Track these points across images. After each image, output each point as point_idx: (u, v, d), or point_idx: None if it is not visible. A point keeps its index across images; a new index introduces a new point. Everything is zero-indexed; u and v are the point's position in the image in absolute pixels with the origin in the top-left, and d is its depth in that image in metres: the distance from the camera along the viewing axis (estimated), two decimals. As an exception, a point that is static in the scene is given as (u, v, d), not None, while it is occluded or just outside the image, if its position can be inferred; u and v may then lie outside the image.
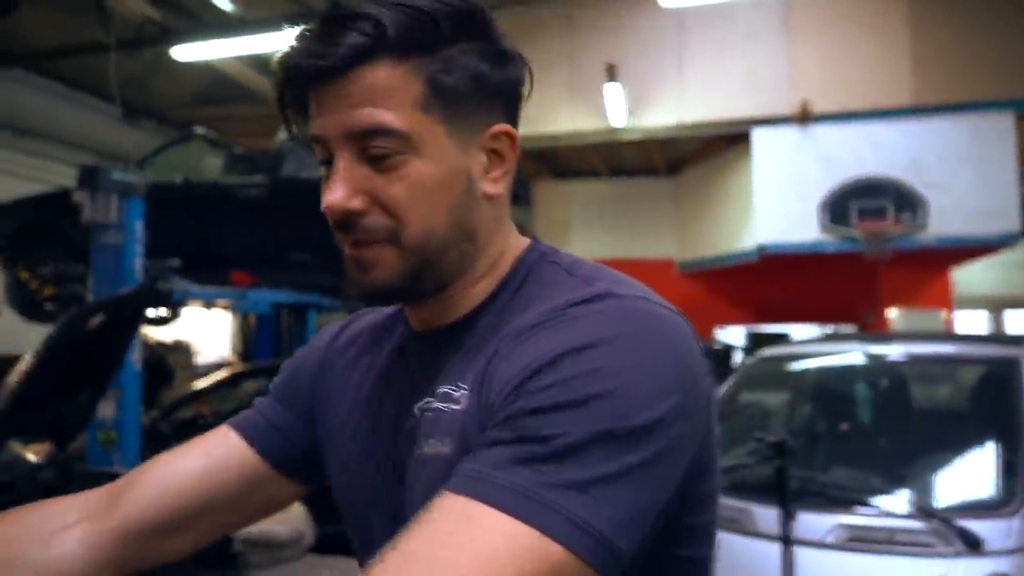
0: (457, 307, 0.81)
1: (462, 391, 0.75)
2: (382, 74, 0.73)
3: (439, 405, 0.77)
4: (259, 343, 7.11)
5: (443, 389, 0.77)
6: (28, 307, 5.56)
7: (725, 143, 10.58)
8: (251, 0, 8.42)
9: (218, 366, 8.85)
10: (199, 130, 6.55)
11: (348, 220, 0.75)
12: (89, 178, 4.59)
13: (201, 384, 5.81)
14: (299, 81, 0.75)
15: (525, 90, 0.83)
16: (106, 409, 4.21)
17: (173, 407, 5.58)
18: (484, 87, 0.77)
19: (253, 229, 5.70)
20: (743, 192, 9.91)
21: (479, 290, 0.81)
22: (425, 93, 0.74)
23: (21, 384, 3.02)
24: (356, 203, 0.74)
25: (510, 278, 0.81)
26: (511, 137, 0.80)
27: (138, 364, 4.43)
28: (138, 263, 4.50)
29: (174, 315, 5.27)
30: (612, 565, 0.60)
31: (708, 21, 9.61)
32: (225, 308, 6.45)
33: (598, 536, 0.59)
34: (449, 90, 0.75)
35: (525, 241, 0.86)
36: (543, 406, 0.63)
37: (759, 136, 9.51)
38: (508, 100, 0.80)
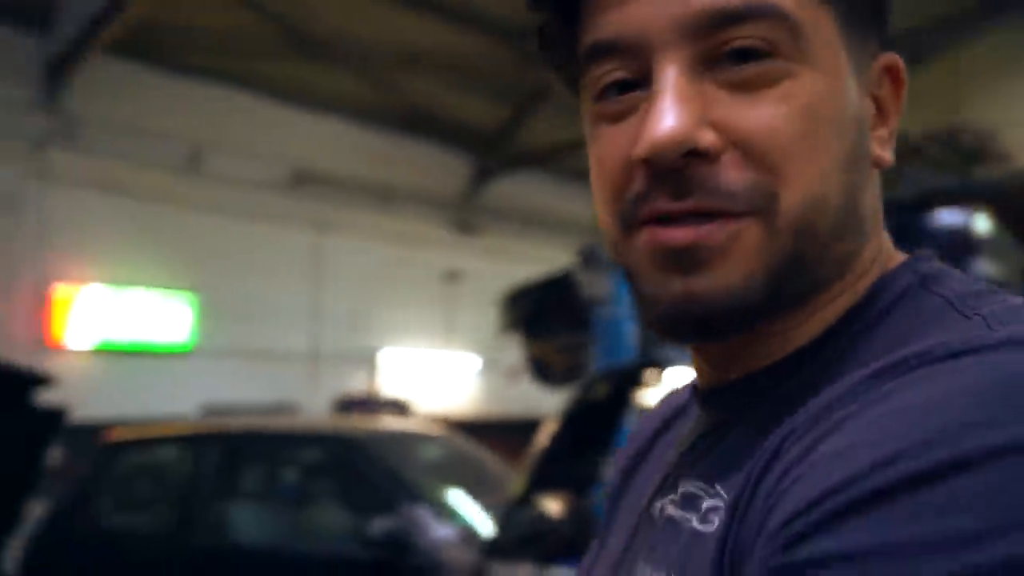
0: (768, 347, 0.47)
1: (715, 501, 0.44)
2: None
3: (675, 513, 0.48)
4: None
5: (689, 486, 0.48)
6: (544, 376, 6.33)
7: None
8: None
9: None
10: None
11: (683, 170, 0.42)
12: (587, 257, 5.11)
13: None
14: None
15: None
16: (609, 469, 4.53)
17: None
18: None
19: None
20: None
21: (814, 322, 0.46)
22: None
23: (549, 444, 3.42)
24: (707, 137, 0.42)
25: (866, 304, 0.46)
26: (898, 81, 0.49)
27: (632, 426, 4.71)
28: (633, 333, 4.83)
29: (659, 379, 5.53)
30: None
31: None
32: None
33: None
34: None
35: (898, 253, 0.50)
36: None
37: None
38: (886, 24, 0.50)
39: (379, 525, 3.03)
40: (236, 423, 4.53)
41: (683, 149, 0.42)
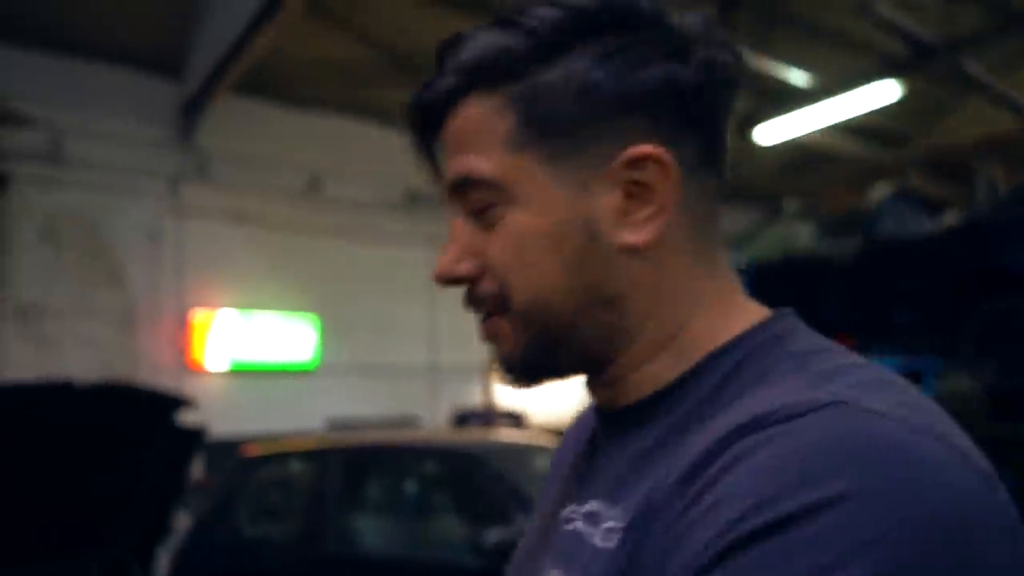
0: (629, 389, 0.61)
1: (612, 522, 0.55)
2: (472, 112, 0.59)
3: (581, 525, 0.59)
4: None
5: (593, 504, 0.59)
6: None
7: None
8: (824, 66, 8.43)
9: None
10: (788, 206, 6.73)
11: (466, 289, 0.62)
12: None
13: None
14: (415, 128, 0.63)
15: (718, 87, 0.59)
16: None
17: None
18: (601, 102, 0.57)
19: (854, 293, 5.56)
20: None
21: (653, 371, 0.60)
22: (515, 128, 0.58)
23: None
24: (463, 268, 0.61)
25: (710, 363, 0.57)
26: (660, 161, 0.57)
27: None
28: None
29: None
30: None
31: None
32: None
33: None
34: (544, 118, 0.57)
35: (756, 315, 0.60)
36: None
37: None
38: (656, 109, 0.57)
39: (493, 535, 3.11)
40: (359, 437, 4.75)
41: (448, 279, 0.61)
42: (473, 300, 0.62)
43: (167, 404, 3.02)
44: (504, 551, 3.08)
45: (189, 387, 7.06)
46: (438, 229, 10.46)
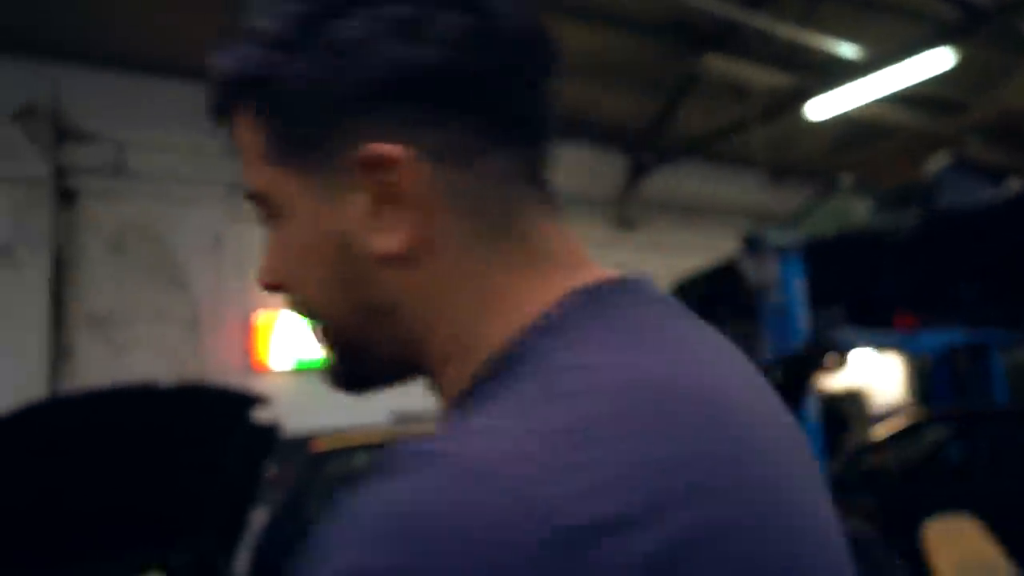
0: (442, 398, 0.58)
1: None
2: (239, 126, 0.57)
3: None
4: (936, 386, 6.69)
5: None
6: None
7: None
8: (874, 36, 8.25)
9: (893, 412, 8.54)
10: (843, 182, 6.63)
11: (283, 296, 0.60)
12: (751, 243, 5.05)
13: (879, 433, 5.70)
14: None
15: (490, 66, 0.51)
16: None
17: (854, 457, 5.58)
18: (330, 102, 0.51)
19: (913, 267, 5.46)
20: None
21: (453, 379, 0.54)
22: (267, 140, 0.54)
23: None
24: (267, 277, 0.59)
25: (485, 368, 0.51)
26: (391, 161, 0.50)
27: (814, 416, 4.59)
28: (803, 317, 4.72)
29: (841, 363, 5.34)
30: None
31: None
32: (895, 351, 6.26)
33: None
34: (285, 128, 0.53)
35: (550, 301, 0.51)
36: None
37: None
38: (395, 99, 0.50)
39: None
40: (423, 429, 4.85)
41: (262, 286, 0.59)
42: (291, 308, 0.60)
43: (242, 402, 3.13)
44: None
45: (256, 387, 7.27)
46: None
